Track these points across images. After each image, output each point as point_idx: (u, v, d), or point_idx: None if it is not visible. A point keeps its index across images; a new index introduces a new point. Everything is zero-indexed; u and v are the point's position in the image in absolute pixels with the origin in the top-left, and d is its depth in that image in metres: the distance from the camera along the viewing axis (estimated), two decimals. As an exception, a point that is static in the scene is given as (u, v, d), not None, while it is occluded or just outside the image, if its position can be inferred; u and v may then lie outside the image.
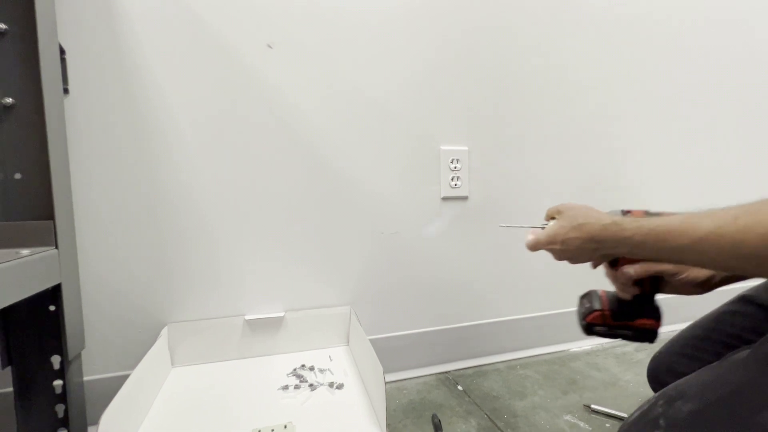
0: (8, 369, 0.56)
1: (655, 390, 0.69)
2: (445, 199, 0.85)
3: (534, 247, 0.57)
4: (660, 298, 0.56)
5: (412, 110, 0.81)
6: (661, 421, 0.42)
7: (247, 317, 0.74)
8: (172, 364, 0.72)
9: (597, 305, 0.63)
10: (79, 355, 0.61)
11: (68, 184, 0.60)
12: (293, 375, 0.68)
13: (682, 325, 0.84)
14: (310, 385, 0.65)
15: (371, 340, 0.66)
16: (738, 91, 1.07)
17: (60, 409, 0.58)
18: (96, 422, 0.46)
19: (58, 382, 0.58)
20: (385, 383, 0.54)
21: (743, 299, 0.67)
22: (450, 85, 0.83)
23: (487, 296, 0.90)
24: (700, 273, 0.54)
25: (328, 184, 0.78)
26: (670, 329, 1.01)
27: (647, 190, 1.02)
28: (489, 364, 0.87)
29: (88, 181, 0.65)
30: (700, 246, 0.38)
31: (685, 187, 1.06)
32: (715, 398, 0.40)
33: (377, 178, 0.80)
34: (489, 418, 0.68)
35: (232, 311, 0.74)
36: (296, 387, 0.64)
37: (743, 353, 0.40)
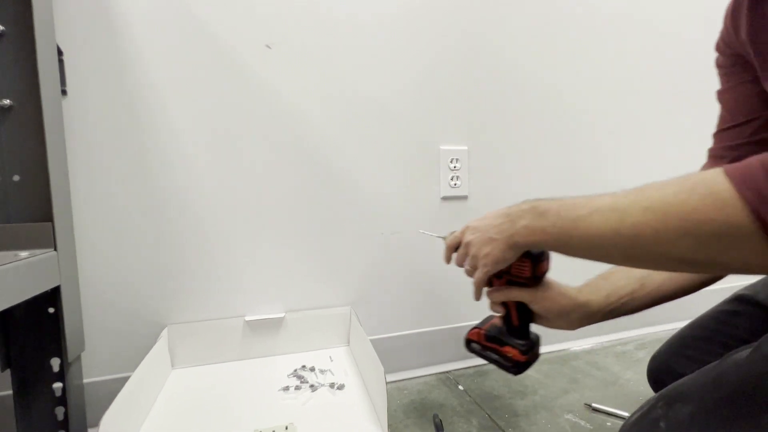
0: (7, 372, 0.56)
1: (655, 390, 0.69)
2: (444, 198, 0.85)
3: (449, 245, 0.59)
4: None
5: (411, 110, 0.81)
6: (662, 423, 0.42)
7: (247, 318, 0.74)
8: (173, 366, 0.71)
9: (481, 323, 0.64)
10: (78, 358, 0.61)
11: (67, 185, 0.60)
12: (294, 376, 0.68)
13: (679, 324, 0.85)
14: (311, 385, 0.65)
15: (372, 341, 0.66)
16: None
17: (60, 411, 0.58)
18: (96, 425, 0.46)
19: (57, 385, 0.58)
20: (386, 383, 0.54)
21: (741, 299, 0.67)
22: (449, 84, 0.83)
23: (487, 296, 0.90)
24: (563, 300, 0.54)
25: (328, 184, 0.78)
26: (668, 327, 1.01)
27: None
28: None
29: (87, 182, 0.65)
30: (591, 218, 0.38)
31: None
32: (715, 400, 0.40)
33: (377, 178, 0.80)
34: (490, 417, 0.68)
35: (232, 312, 0.74)
36: (297, 388, 0.64)
37: (743, 354, 0.39)
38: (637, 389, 0.76)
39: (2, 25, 0.53)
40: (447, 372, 0.84)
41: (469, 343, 0.65)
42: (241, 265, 0.74)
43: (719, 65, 0.56)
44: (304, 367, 0.70)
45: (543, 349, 0.92)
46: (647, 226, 0.34)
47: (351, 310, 0.79)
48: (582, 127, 0.94)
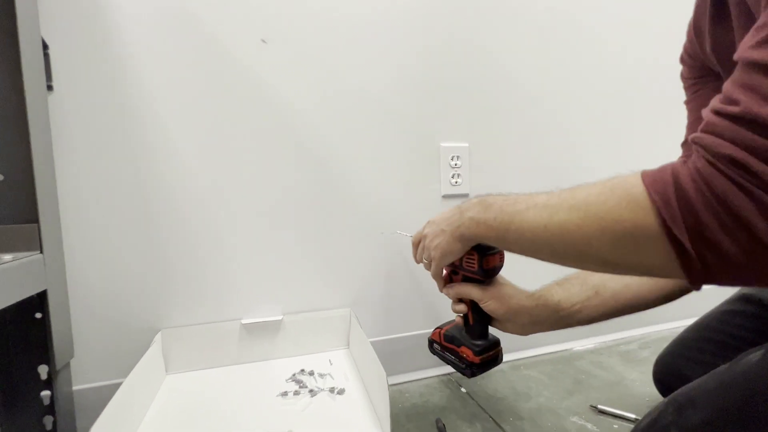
0: (-8, 380, 0.54)
1: (662, 393, 0.68)
2: (446, 197, 0.83)
3: (413, 242, 0.60)
4: None
5: (411, 106, 0.79)
6: (673, 430, 0.41)
7: (244, 321, 0.72)
8: (167, 371, 0.69)
9: (444, 324, 0.64)
10: (67, 365, 0.59)
11: (53, 185, 0.58)
12: (292, 380, 0.66)
13: (681, 322, 0.83)
14: (310, 390, 0.63)
15: (372, 343, 0.64)
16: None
17: (48, 420, 0.55)
18: (85, 435, 0.43)
19: (45, 393, 0.55)
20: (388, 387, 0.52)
21: (745, 298, 0.66)
22: (450, 80, 0.81)
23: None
24: (512, 302, 0.54)
25: (326, 183, 0.76)
26: (670, 326, 1.00)
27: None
28: (492, 364, 0.86)
29: (75, 182, 0.63)
30: (526, 214, 0.39)
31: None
32: (728, 406, 0.38)
33: (376, 177, 0.78)
34: (494, 421, 0.67)
35: (228, 315, 0.72)
36: (296, 393, 0.62)
37: (754, 356, 0.38)
38: (643, 390, 0.74)
39: (-17, 16, 0.50)
40: (449, 374, 0.82)
41: (431, 344, 0.65)
42: (237, 267, 0.72)
43: (685, 77, 0.56)
44: (302, 371, 0.68)
45: (545, 349, 0.93)
46: (571, 223, 0.35)
47: (351, 311, 0.77)
48: (589, 124, 0.93)
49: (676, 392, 0.45)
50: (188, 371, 0.70)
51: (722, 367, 0.44)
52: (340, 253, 0.78)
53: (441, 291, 0.61)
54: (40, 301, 0.54)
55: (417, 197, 0.81)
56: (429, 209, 0.82)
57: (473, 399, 0.74)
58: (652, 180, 0.31)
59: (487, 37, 0.83)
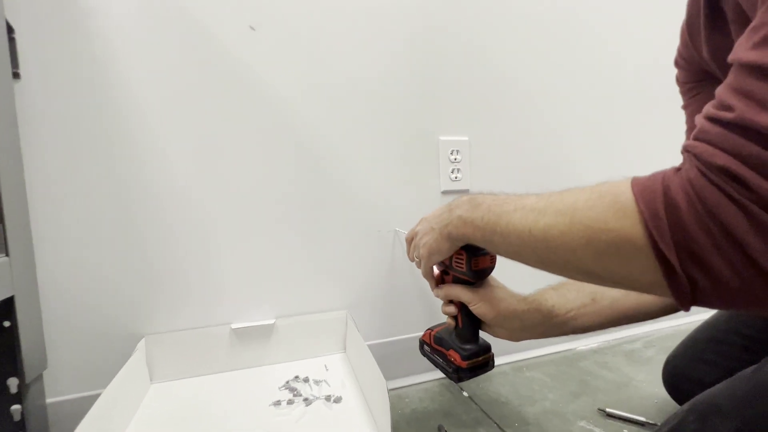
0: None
1: (673, 396, 0.65)
2: (445, 192, 0.79)
3: (407, 239, 0.58)
4: None
5: (408, 98, 0.75)
6: None
7: (234, 326, 0.68)
8: (151, 380, 0.65)
9: (436, 325, 0.61)
10: (40, 377, 0.54)
11: (21, 181, 0.53)
12: (286, 388, 0.62)
13: (686, 320, 0.81)
14: (305, 399, 0.59)
15: (369, 346, 0.61)
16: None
17: (19, 437, 0.51)
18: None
19: (16, 408, 0.51)
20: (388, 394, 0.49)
21: None
22: (448, 70, 0.77)
23: (490, 295, 0.85)
24: (502, 306, 0.51)
25: (319, 178, 0.72)
26: (674, 324, 0.98)
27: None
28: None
29: (46, 177, 0.58)
30: (513, 215, 0.37)
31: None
32: (758, 414, 0.36)
33: (372, 172, 0.74)
34: (499, 426, 0.64)
35: (217, 319, 0.68)
36: (289, 402, 0.58)
37: None
38: (651, 391, 0.72)
39: (-63, -6, 0.45)
40: (450, 377, 0.79)
41: (422, 345, 0.63)
42: (226, 268, 0.68)
43: (680, 81, 0.54)
44: (297, 377, 0.64)
45: (548, 349, 0.90)
46: (556, 229, 0.33)
47: (347, 314, 0.74)
48: (596, 117, 0.90)
49: (695, 399, 0.42)
50: (174, 380, 0.66)
51: (746, 372, 0.41)
52: (335, 252, 0.74)
53: (432, 291, 0.58)
54: (6, 308, 0.49)
55: (415, 193, 0.78)
56: (428, 206, 0.78)
57: (476, 403, 0.70)
58: (642, 188, 0.29)
59: (486, 25, 0.79)
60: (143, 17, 0.60)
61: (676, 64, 0.53)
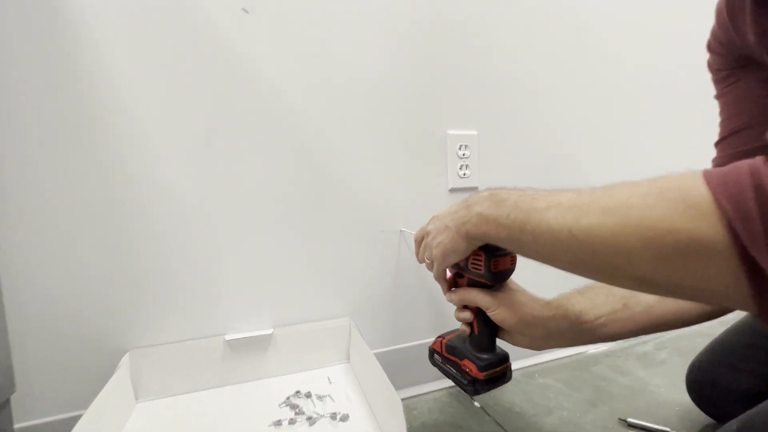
0: None
1: (698, 404, 0.62)
2: (453, 190, 0.75)
3: (416, 239, 0.55)
4: None
5: (413, 88, 0.70)
6: None
7: (228, 337, 0.62)
8: (137, 399, 0.59)
9: (448, 332, 0.57)
10: (7, 401, 0.48)
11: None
12: (287, 405, 0.57)
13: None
14: (309, 417, 0.54)
15: (374, 355, 0.56)
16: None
17: (-17, 472, 0.45)
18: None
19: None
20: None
21: None
22: (456, 60, 0.72)
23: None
24: (524, 311, 0.47)
25: (319, 176, 0.66)
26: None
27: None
28: (504, 373, 0.79)
29: (14, 176, 0.51)
30: (546, 213, 0.33)
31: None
32: None
33: (375, 169, 0.69)
34: (515, 440, 0.60)
35: (209, 330, 0.62)
36: (291, 422, 0.53)
37: None
38: (670, 397, 0.69)
39: None
40: (458, 385, 0.75)
41: (432, 354, 0.59)
42: (219, 273, 0.62)
43: (714, 68, 0.49)
44: (298, 393, 0.59)
45: (557, 353, 0.87)
46: (605, 229, 0.29)
47: (350, 321, 0.69)
48: (614, 108, 0.86)
49: (745, 417, 0.39)
50: (163, 397, 0.60)
51: None
52: (336, 255, 0.69)
53: (445, 295, 0.55)
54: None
55: (421, 191, 0.73)
56: (435, 204, 0.74)
57: (489, 414, 0.66)
58: (721, 182, 0.25)
59: (495, 11, 0.74)
60: (131, 5, 0.54)
61: (710, 48, 0.49)
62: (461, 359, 0.52)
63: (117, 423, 0.53)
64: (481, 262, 0.47)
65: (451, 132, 0.73)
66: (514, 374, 0.78)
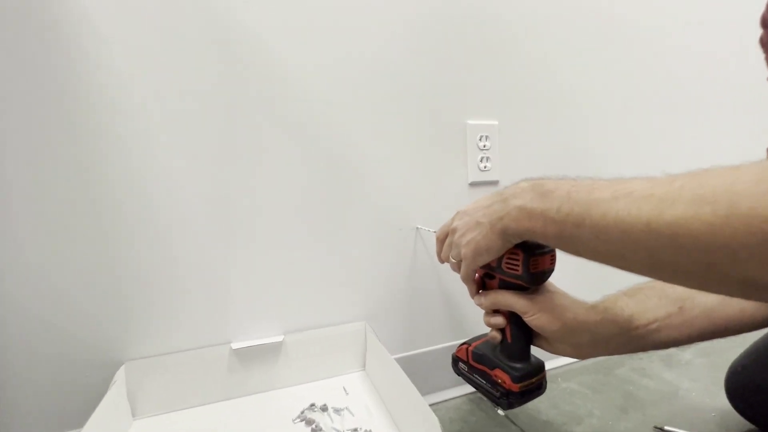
0: None
1: (741, 411, 0.58)
2: (473, 184, 0.70)
3: (438, 237, 0.51)
4: None
5: (431, 77, 0.65)
6: None
7: (235, 345, 0.57)
8: (134, 415, 0.53)
9: (474, 338, 0.53)
10: (-14, 426, 0.42)
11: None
12: (302, 420, 0.52)
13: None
14: (327, 435, 0.49)
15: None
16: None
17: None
18: None
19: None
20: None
21: None
22: (476, 46, 0.68)
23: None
24: (567, 316, 0.43)
25: (332, 171, 0.61)
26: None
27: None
28: (525, 377, 0.75)
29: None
30: (615, 204, 0.29)
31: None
32: None
33: (391, 162, 0.64)
34: (547, 452, 0.56)
35: (214, 338, 0.57)
36: (308, 440, 0.48)
37: None
38: (703, 402, 0.65)
39: None
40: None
41: (455, 362, 0.55)
42: (225, 276, 0.57)
43: None
44: (313, 406, 0.54)
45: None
46: (700, 222, 0.24)
47: (366, 325, 0.64)
48: (645, 98, 0.82)
49: None
50: (162, 413, 0.54)
51: None
52: (350, 255, 0.64)
53: (472, 298, 0.50)
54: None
55: (439, 186, 0.68)
56: (454, 200, 0.69)
57: (515, 423, 0.62)
58: None
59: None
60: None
61: (764, 22, 0.45)
62: (491, 369, 0.48)
63: (112, 443, 0.47)
64: (518, 262, 0.42)
65: (471, 122, 0.69)
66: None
